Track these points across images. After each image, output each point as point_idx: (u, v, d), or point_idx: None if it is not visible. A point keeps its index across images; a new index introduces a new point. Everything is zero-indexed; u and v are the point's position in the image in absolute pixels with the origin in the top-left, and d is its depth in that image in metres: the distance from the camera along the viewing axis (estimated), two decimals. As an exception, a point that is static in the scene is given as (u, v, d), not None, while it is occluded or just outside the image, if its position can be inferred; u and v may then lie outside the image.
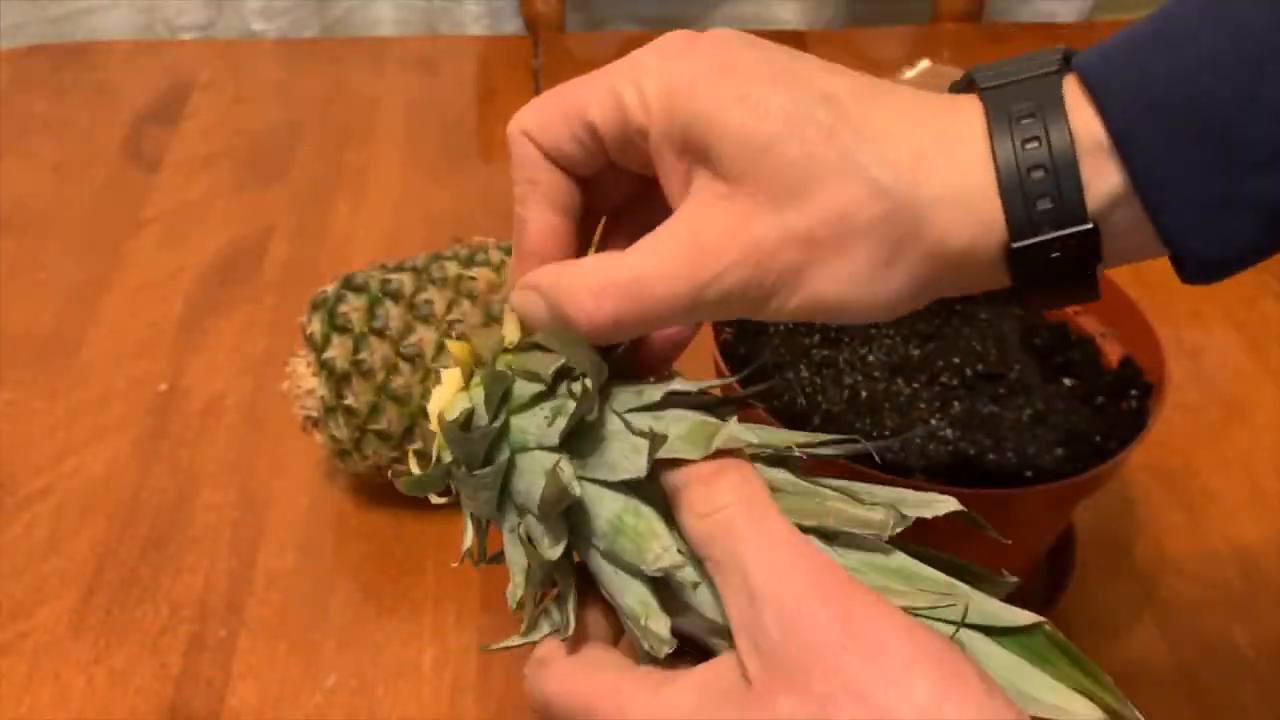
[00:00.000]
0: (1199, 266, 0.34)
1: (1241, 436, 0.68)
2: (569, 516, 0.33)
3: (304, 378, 0.59)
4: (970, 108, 0.33)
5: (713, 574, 0.30)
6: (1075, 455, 0.50)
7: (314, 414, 0.59)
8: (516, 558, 0.35)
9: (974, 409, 0.51)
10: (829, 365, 0.53)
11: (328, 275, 0.62)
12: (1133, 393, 0.53)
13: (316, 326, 0.58)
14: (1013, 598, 0.58)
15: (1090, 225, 0.32)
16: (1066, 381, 0.54)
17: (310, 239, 0.83)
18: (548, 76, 1.04)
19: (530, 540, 0.33)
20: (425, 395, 0.57)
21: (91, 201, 0.88)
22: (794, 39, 1.10)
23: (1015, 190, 0.31)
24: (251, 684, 0.54)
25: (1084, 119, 0.31)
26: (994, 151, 0.31)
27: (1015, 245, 0.32)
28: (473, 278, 0.59)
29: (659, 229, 0.33)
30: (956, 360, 0.53)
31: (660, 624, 0.31)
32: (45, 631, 0.57)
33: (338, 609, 0.58)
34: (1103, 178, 0.32)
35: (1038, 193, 0.31)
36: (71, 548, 0.61)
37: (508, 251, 0.61)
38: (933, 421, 0.50)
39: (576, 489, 0.32)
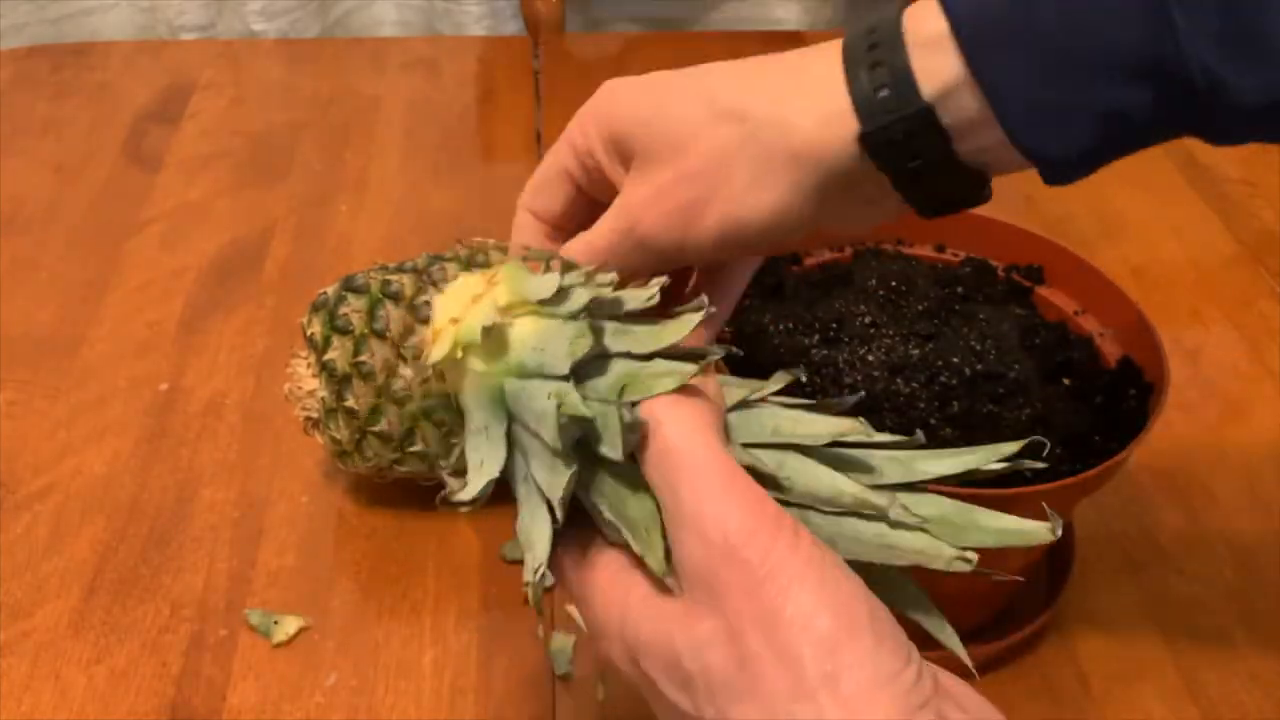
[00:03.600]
0: (1048, 167, 0.37)
1: (1241, 436, 0.68)
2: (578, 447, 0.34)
3: (304, 379, 0.59)
4: (829, 45, 0.38)
5: (655, 488, 0.33)
6: (1075, 455, 0.50)
7: (314, 415, 0.59)
8: (532, 507, 0.35)
9: (973, 409, 0.51)
10: (828, 365, 0.53)
11: (328, 275, 0.62)
12: (1132, 392, 0.53)
13: (317, 328, 0.58)
14: (1014, 597, 0.58)
15: (926, 104, 0.35)
16: (1066, 381, 0.54)
17: (311, 239, 0.83)
18: (548, 77, 1.04)
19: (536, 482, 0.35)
20: (426, 396, 0.57)
21: (92, 201, 0.88)
22: (793, 39, 1.10)
23: (859, 85, 0.36)
24: (252, 683, 0.54)
25: (925, 17, 0.36)
26: (844, 60, 0.37)
27: (863, 131, 0.36)
28: None
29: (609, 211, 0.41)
30: (956, 360, 0.53)
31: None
32: (46, 631, 0.57)
33: (338, 609, 0.58)
34: (939, 67, 0.35)
35: (877, 83, 0.36)
36: (72, 547, 0.61)
37: (508, 253, 0.61)
38: (932, 421, 0.50)
39: (585, 410, 0.33)
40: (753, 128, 0.37)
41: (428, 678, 0.55)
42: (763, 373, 0.50)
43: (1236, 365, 0.73)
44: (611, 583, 0.34)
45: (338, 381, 0.58)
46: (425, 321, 0.58)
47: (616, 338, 0.35)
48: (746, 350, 0.54)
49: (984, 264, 0.60)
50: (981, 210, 0.61)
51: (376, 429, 0.58)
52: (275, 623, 0.57)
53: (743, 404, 0.37)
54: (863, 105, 0.36)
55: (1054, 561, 0.59)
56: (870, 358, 0.53)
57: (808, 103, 0.37)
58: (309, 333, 0.59)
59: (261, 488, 0.64)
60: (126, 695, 0.54)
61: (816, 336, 0.55)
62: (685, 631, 0.31)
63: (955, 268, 0.60)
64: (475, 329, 0.35)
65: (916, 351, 0.53)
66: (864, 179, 0.37)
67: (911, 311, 0.56)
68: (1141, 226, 0.86)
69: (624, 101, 0.40)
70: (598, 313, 0.36)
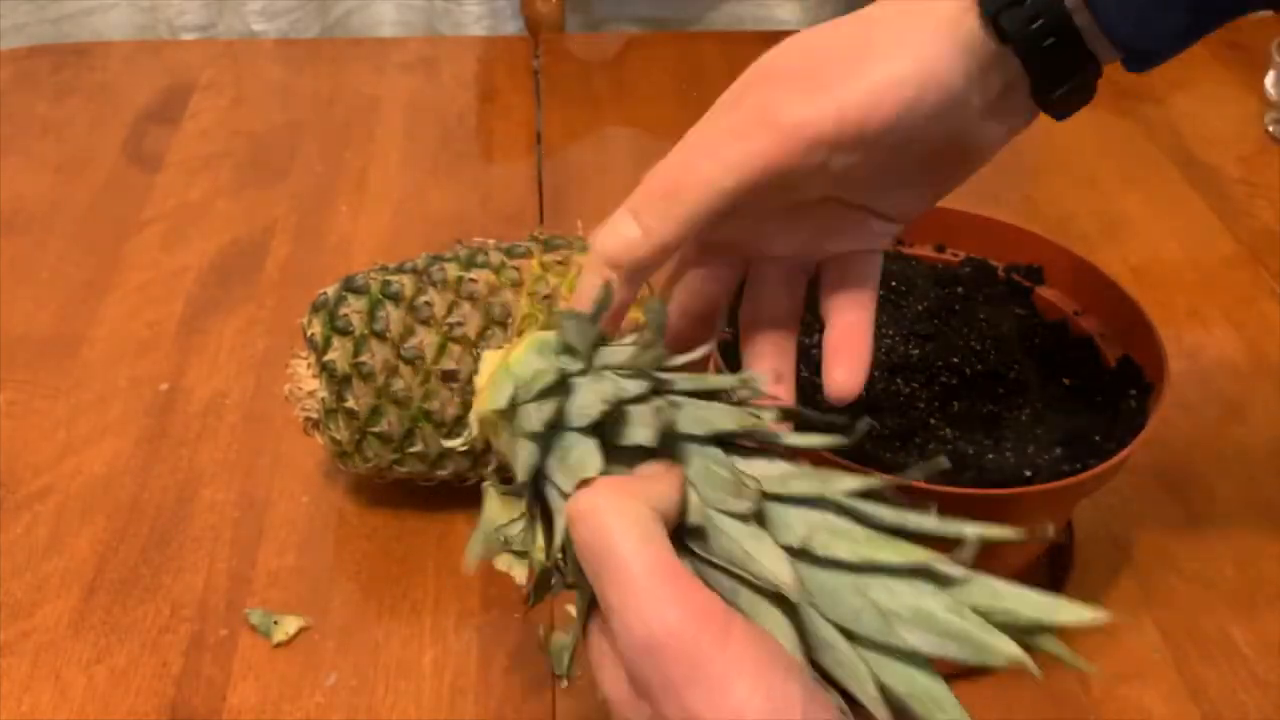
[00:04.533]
0: (1141, 56, 0.39)
1: (1241, 436, 0.68)
2: None
3: (305, 379, 0.59)
4: None
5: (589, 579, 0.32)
6: (1074, 455, 0.50)
7: (314, 415, 0.59)
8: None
9: (973, 409, 0.51)
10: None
11: (328, 275, 0.62)
12: (1132, 392, 0.53)
13: (317, 328, 0.58)
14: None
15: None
16: (1066, 381, 0.54)
17: (311, 239, 0.83)
18: (548, 77, 1.04)
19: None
20: (426, 398, 0.57)
21: (92, 201, 0.88)
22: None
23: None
24: (252, 683, 0.54)
25: None
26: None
27: (1025, 59, 0.38)
28: (473, 280, 0.58)
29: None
30: (956, 360, 0.53)
31: None
32: (46, 631, 0.57)
33: (338, 609, 0.58)
34: None
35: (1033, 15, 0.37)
36: (72, 547, 0.61)
37: (508, 253, 0.61)
38: (931, 421, 0.50)
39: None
40: (921, 71, 0.37)
41: (428, 678, 0.55)
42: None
43: (1236, 365, 0.73)
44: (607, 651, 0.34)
45: (338, 382, 0.57)
46: (425, 322, 0.57)
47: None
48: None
49: (984, 264, 0.60)
50: (981, 210, 0.61)
51: (376, 429, 0.58)
52: (275, 623, 0.57)
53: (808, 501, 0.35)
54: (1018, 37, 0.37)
55: (1054, 561, 0.59)
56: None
57: (963, 44, 0.37)
58: (309, 333, 0.59)
59: (261, 488, 0.64)
60: (126, 695, 0.54)
61: (816, 336, 0.55)
62: (631, 712, 0.31)
63: (955, 268, 0.60)
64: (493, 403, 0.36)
65: (916, 351, 0.53)
66: (996, 64, 0.38)
67: (911, 311, 0.56)
68: (1141, 226, 0.86)
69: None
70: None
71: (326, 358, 0.57)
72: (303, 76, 1.04)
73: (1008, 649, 0.32)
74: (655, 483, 0.33)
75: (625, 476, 0.34)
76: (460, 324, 0.57)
